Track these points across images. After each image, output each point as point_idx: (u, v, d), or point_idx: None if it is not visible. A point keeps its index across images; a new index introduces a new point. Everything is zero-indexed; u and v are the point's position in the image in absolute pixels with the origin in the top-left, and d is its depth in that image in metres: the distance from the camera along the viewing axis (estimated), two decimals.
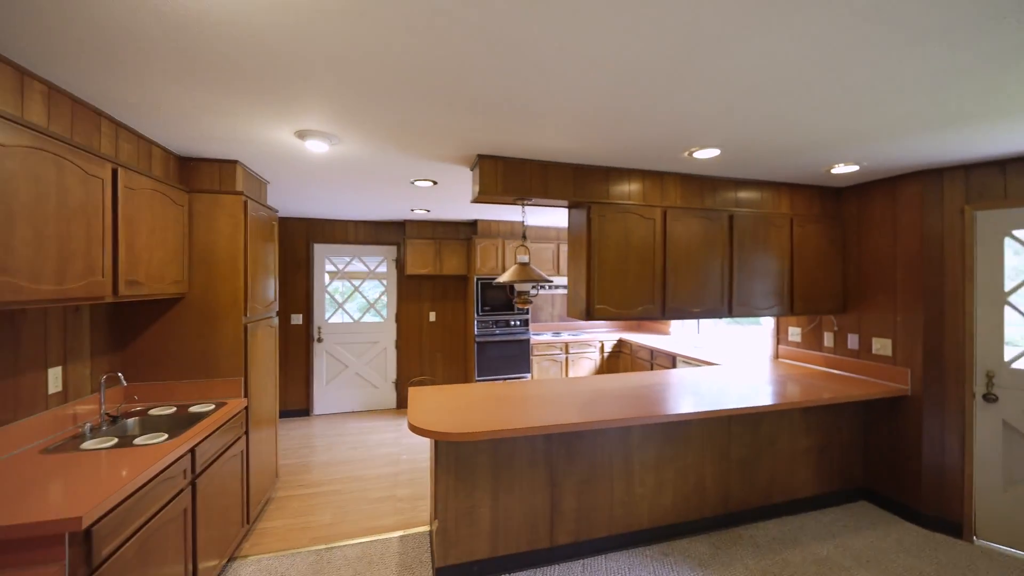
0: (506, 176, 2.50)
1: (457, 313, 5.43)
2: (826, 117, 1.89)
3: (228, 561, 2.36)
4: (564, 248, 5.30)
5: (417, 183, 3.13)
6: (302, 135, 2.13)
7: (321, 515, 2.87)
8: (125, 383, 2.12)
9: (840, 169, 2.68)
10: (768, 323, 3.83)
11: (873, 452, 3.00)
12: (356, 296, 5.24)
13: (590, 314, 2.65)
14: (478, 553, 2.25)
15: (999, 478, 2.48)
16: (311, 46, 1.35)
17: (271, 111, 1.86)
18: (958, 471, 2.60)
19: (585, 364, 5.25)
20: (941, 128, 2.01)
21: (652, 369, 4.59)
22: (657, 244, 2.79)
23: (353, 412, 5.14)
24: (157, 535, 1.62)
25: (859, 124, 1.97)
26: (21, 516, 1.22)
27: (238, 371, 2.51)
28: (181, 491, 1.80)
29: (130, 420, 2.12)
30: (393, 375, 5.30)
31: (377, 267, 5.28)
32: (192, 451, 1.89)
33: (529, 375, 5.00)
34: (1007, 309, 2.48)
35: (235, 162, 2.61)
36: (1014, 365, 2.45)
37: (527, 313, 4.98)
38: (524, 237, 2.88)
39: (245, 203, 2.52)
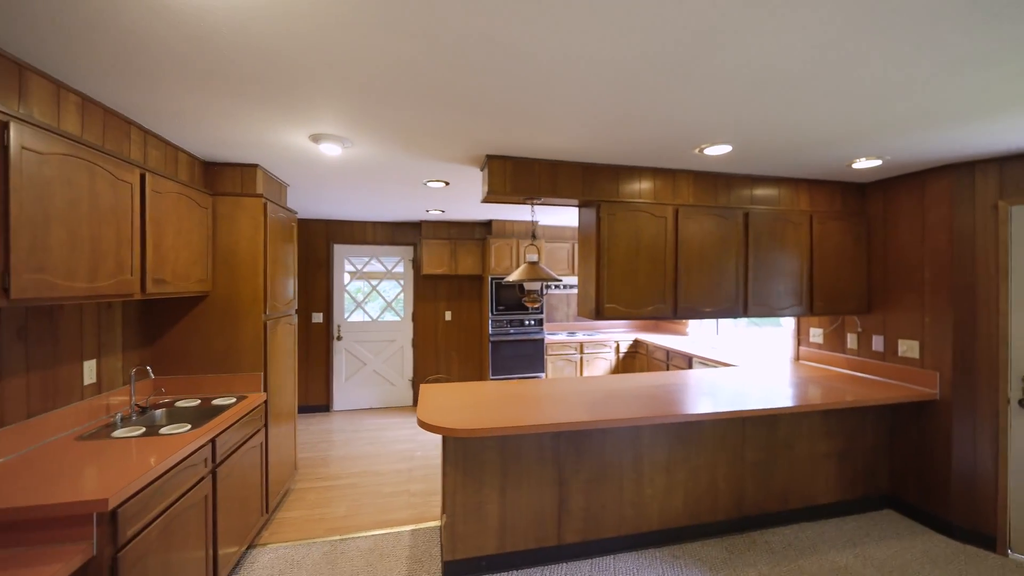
0: (515, 176, 2.52)
1: (472, 312, 5.48)
2: (841, 110, 1.83)
3: (248, 548, 2.46)
4: None
5: (430, 184, 3.19)
6: (316, 139, 2.21)
7: (337, 507, 2.96)
8: (153, 376, 2.25)
9: (862, 164, 2.59)
10: (789, 324, 3.72)
11: (899, 459, 2.88)
12: (374, 295, 5.36)
13: (599, 313, 2.64)
14: (486, 548, 2.28)
15: None
16: (321, 54, 1.40)
17: (286, 116, 1.94)
18: (991, 480, 2.47)
19: (600, 364, 5.21)
20: (968, 119, 1.91)
21: (668, 370, 4.53)
22: (669, 243, 2.75)
23: (371, 409, 5.26)
24: (179, 519, 1.72)
25: (877, 117, 1.90)
26: (55, 496, 1.32)
27: (258, 366, 2.62)
28: (202, 479, 1.89)
29: (158, 411, 2.24)
30: (410, 373, 5.39)
31: (394, 267, 5.39)
32: (213, 441, 1.99)
33: (543, 375, 5.01)
34: None
35: (255, 166, 2.72)
36: None
37: (541, 312, 4.99)
38: (533, 236, 2.89)
39: (265, 205, 2.63)
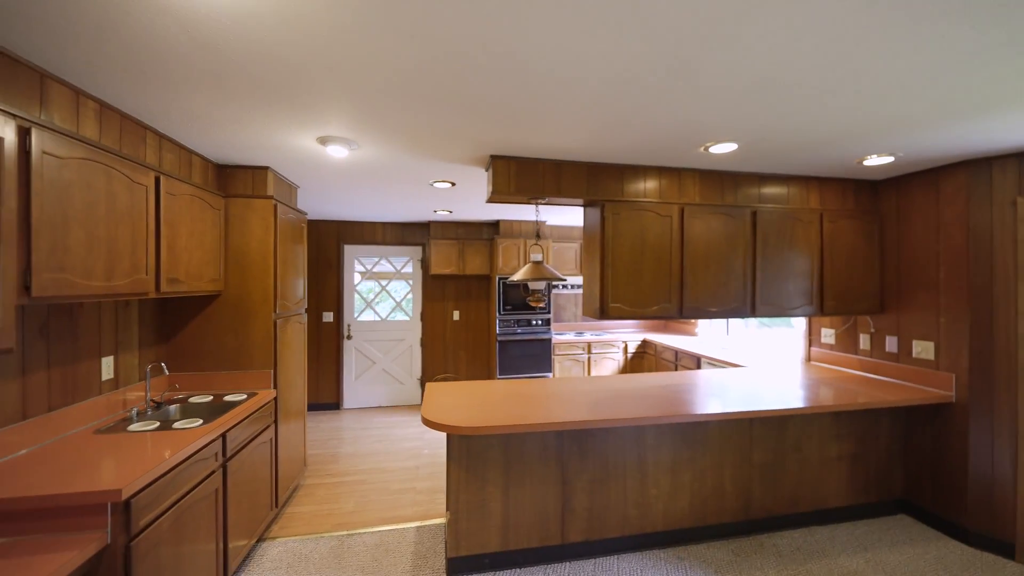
0: (519, 176, 2.54)
1: (480, 312, 5.51)
2: (849, 107, 1.80)
3: (257, 541, 2.52)
4: None
5: (436, 184, 3.22)
6: (323, 141, 2.26)
7: (345, 503, 3.01)
8: (168, 372, 2.32)
9: (873, 161, 2.53)
10: (800, 325, 3.66)
11: (914, 462, 2.81)
12: (384, 295, 5.43)
13: (604, 313, 2.64)
14: (489, 546, 2.30)
15: None
16: (326, 59, 1.44)
17: (293, 120, 1.98)
18: (1009, 485, 2.39)
19: (608, 364, 5.19)
20: (984, 114, 1.86)
21: (676, 371, 4.49)
22: (674, 242, 2.73)
23: (380, 407, 5.33)
24: (191, 511, 1.77)
25: (888, 113, 1.87)
26: (72, 487, 1.37)
27: (268, 364, 2.68)
28: (213, 472, 1.95)
29: (172, 406, 2.31)
30: (418, 372, 5.44)
31: (403, 267, 5.45)
32: (223, 436, 2.05)
33: (551, 374, 5.01)
34: None
35: (266, 168, 2.78)
36: None
37: (549, 312, 4.99)
38: (538, 236, 2.90)
39: (275, 206, 2.69)
